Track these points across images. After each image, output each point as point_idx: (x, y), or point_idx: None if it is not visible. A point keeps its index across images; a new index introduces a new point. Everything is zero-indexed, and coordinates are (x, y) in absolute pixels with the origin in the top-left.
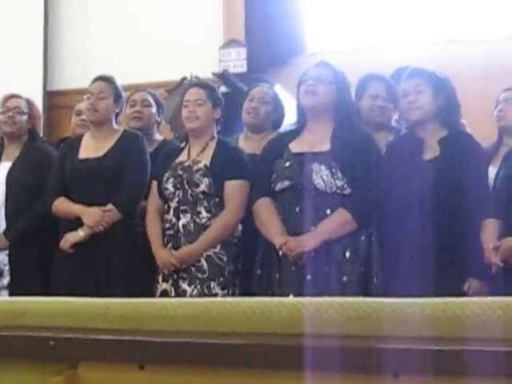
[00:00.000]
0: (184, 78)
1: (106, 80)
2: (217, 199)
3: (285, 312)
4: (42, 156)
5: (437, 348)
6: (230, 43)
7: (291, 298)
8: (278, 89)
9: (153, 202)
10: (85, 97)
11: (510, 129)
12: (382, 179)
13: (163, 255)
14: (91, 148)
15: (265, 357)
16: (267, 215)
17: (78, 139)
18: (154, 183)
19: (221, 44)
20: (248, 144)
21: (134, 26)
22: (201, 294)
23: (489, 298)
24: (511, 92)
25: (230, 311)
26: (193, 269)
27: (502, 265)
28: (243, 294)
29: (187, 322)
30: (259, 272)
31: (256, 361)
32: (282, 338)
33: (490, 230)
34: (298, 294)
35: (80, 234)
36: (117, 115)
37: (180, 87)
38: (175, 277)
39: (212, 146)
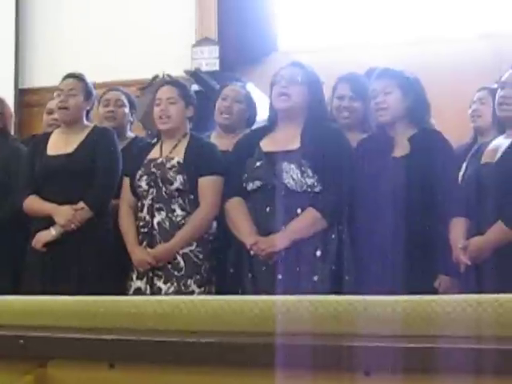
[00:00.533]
0: (156, 76)
1: (77, 77)
2: (191, 196)
3: (256, 310)
4: (13, 154)
5: (407, 345)
6: (202, 41)
7: (263, 297)
8: (251, 87)
9: (125, 200)
10: (55, 94)
11: (484, 129)
12: (353, 177)
13: (139, 253)
14: (60, 144)
15: (236, 355)
16: (238, 215)
17: (46, 135)
18: (126, 180)
19: (193, 42)
20: (220, 142)
21: (106, 23)
22: (177, 292)
23: (458, 295)
24: (485, 92)
25: (200, 310)
26: (169, 266)
27: (470, 263)
28: (219, 291)
29: (158, 321)
30: (232, 271)
31: (227, 359)
32: (253, 336)
33: (458, 228)
34: (269, 294)
35: (52, 232)
36: (88, 113)
37: (152, 85)
38: (150, 274)
39: (184, 142)
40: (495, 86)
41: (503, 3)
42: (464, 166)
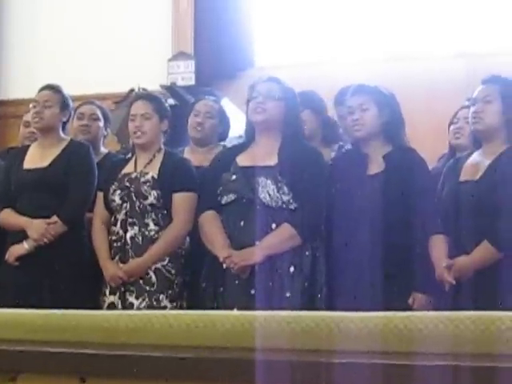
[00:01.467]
0: (132, 90)
1: (53, 89)
2: (165, 211)
3: (227, 325)
4: None
5: (381, 362)
6: (178, 55)
7: (234, 312)
8: (226, 102)
9: (99, 214)
10: (30, 105)
11: (464, 146)
12: (329, 195)
13: (111, 268)
14: (36, 157)
15: (206, 370)
16: (212, 228)
17: (23, 148)
18: (100, 195)
19: (169, 56)
20: (194, 157)
21: (83, 36)
22: (149, 307)
23: (431, 312)
24: (466, 110)
25: (172, 324)
26: (141, 281)
27: (454, 283)
28: (191, 307)
29: (129, 335)
30: (204, 285)
31: (198, 374)
32: (224, 351)
33: (439, 246)
34: (242, 308)
35: (25, 246)
36: (64, 125)
37: (127, 99)
38: (122, 289)
39: (159, 157)
40: (466, 103)
41: (479, 23)
42: (440, 181)
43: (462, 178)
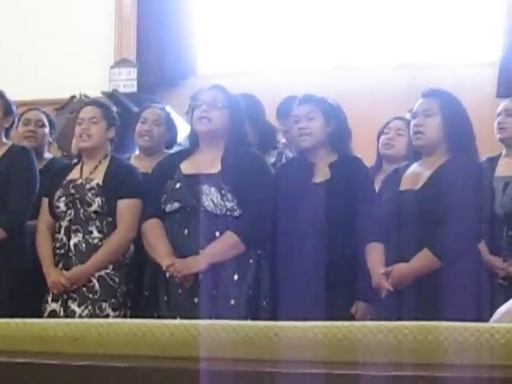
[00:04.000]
0: (73, 97)
1: None
2: (109, 219)
3: (167, 335)
4: None
5: (322, 372)
6: (120, 63)
7: (173, 321)
8: (169, 110)
9: (43, 220)
10: None
11: (395, 157)
12: (273, 202)
13: (53, 275)
14: None
15: (144, 380)
16: (155, 236)
17: None
18: (45, 201)
19: (111, 63)
20: (140, 164)
21: (24, 42)
22: (92, 315)
23: (370, 322)
24: (398, 122)
25: (110, 333)
26: (84, 289)
27: (392, 290)
28: (135, 315)
29: (68, 344)
30: (147, 293)
31: (137, 383)
32: (164, 361)
33: (375, 254)
34: (185, 317)
35: None
36: (7, 130)
37: (69, 106)
38: (65, 297)
39: (105, 163)
40: (408, 115)
41: (420, 35)
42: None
43: (403, 187)
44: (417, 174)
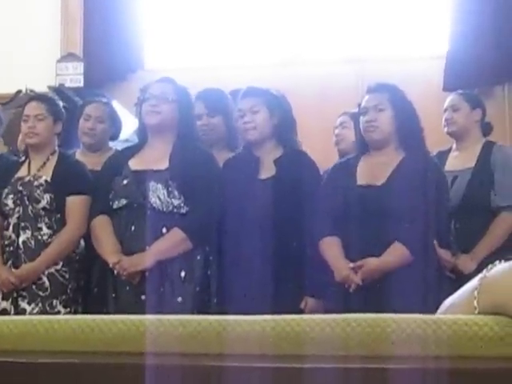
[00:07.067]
0: (19, 91)
1: None
2: (58, 215)
3: (114, 330)
4: None
5: (271, 365)
6: (67, 57)
7: (121, 316)
8: (115, 104)
9: None
10: None
11: (346, 151)
12: (220, 199)
13: (2, 273)
14: None
15: (92, 376)
16: (103, 233)
17: None
18: None
19: (58, 57)
20: (85, 160)
21: None
22: (42, 312)
23: (318, 315)
24: (346, 116)
25: (57, 330)
26: (34, 287)
27: (361, 284)
28: (86, 312)
29: (13, 341)
30: (96, 290)
31: (84, 380)
32: (112, 356)
33: (334, 248)
34: (133, 314)
35: None
36: None
37: (15, 100)
38: (15, 295)
39: (53, 160)
40: (356, 110)
41: (368, 30)
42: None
43: (361, 181)
44: (372, 168)
